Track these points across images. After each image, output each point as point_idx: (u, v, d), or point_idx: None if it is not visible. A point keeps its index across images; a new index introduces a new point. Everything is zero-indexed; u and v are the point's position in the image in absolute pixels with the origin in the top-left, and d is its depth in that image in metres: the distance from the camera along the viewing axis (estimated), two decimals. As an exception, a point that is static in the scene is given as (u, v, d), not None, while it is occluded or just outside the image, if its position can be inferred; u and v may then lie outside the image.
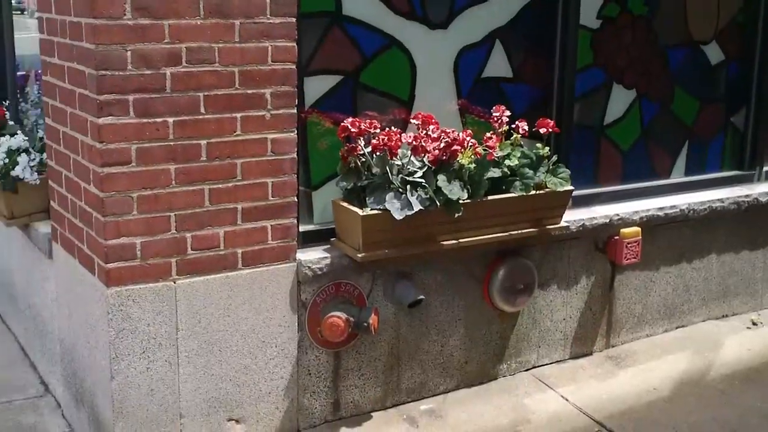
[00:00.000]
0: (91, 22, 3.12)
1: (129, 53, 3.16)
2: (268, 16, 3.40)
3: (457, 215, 3.70)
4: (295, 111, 3.52)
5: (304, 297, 3.71)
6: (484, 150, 3.85)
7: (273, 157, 3.49)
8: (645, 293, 4.87)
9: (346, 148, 3.72)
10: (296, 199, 3.60)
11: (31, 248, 4.22)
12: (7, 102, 5.02)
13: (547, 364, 4.55)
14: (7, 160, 4.07)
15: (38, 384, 4.33)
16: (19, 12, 5.39)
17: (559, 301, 4.52)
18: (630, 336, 4.88)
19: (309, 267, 3.66)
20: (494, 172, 3.87)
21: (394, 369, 4.05)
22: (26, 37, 5.30)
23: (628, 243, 4.55)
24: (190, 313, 3.43)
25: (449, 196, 3.66)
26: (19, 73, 5.30)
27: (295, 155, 3.55)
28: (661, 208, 4.74)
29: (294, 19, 3.46)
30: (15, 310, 4.79)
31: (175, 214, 3.34)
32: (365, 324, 3.69)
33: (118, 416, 3.38)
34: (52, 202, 3.82)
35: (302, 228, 3.74)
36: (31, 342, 4.54)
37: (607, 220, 4.53)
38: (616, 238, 4.56)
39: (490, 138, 3.90)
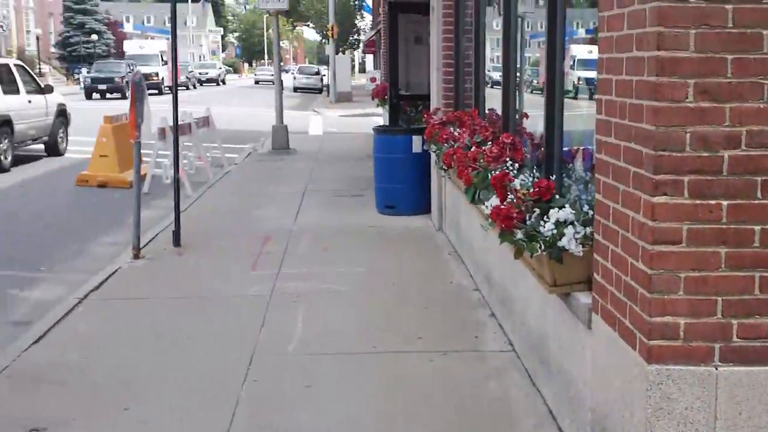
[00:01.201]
0: (653, 104, 3.22)
1: (688, 135, 3.21)
2: (836, 98, 3.20)
3: None
4: None
5: None
6: None
7: (831, 250, 3.24)
8: None
9: None
10: None
11: (569, 316, 4.41)
12: (554, 176, 5.37)
13: None
14: (555, 231, 4.33)
15: (565, 447, 4.49)
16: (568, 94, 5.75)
17: None
18: None
19: None
20: None
21: None
22: (570, 115, 5.64)
23: None
24: (731, 403, 3.30)
25: None
26: (564, 149, 5.64)
27: None
28: None
29: None
30: (546, 374, 5.01)
31: (721, 299, 3.26)
32: None
33: (647, 494, 3.36)
34: (595, 275, 3.97)
35: None
36: (560, 406, 4.71)
37: None
38: None
39: None
